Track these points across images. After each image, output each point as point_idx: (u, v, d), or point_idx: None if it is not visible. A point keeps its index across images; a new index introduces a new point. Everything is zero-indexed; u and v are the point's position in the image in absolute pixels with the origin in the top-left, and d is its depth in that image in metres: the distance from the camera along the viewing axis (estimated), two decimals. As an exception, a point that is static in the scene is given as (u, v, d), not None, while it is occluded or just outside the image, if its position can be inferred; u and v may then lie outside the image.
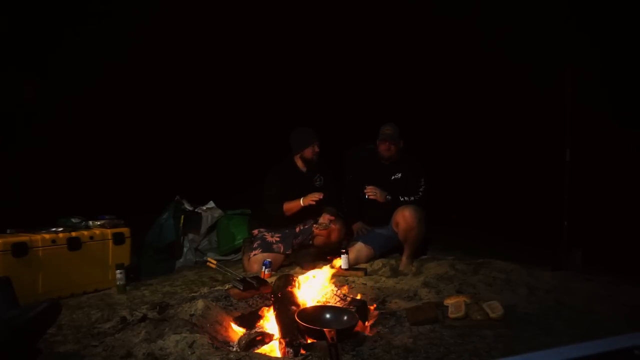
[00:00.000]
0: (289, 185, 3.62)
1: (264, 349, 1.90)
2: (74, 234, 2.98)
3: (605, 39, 4.46)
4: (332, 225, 3.55)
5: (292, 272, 3.21)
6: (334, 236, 3.60)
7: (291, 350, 1.84)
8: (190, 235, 4.06)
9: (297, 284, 2.31)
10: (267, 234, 3.64)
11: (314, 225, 3.58)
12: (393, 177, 3.61)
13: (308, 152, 3.61)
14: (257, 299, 2.41)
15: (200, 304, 2.18)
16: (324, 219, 3.54)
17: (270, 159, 3.79)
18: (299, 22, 5.78)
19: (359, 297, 2.37)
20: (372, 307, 2.31)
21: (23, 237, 2.74)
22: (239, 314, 2.27)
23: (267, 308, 2.26)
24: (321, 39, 5.94)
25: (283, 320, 1.99)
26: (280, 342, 1.90)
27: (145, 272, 3.47)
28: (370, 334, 2.00)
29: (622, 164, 4.32)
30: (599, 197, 4.23)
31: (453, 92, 6.02)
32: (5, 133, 4.48)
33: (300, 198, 3.48)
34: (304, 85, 6.20)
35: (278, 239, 3.61)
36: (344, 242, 3.64)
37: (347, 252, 3.30)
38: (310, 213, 3.66)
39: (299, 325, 1.85)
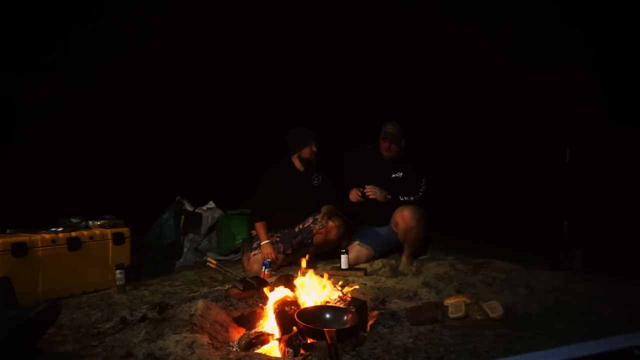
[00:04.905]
0: (285, 185, 3.62)
1: (264, 349, 1.90)
2: (74, 234, 2.99)
3: (605, 38, 4.46)
4: (330, 223, 3.55)
5: (292, 272, 3.21)
6: (333, 234, 3.60)
7: (291, 350, 1.84)
8: (190, 235, 4.06)
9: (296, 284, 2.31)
10: (266, 234, 3.63)
11: (312, 224, 3.58)
12: (393, 176, 3.61)
13: (306, 152, 3.61)
14: (257, 299, 2.41)
15: (200, 304, 2.18)
16: (322, 217, 3.54)
17: (270, 159, 3.79)
18: (298, 22, 5.78)
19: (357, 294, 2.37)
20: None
21: (23, 237, 2.74)
22: (239, 314, 2.27)
23: (266, 308, 2.25)
24: (321, 39, 5.94)
25: (283, 320, 1.99)
26: (280, 342, 1.90)
27: (145, 272, 3.47)
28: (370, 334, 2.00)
29: (621, 164, 4.32)
30: (599, 197, 4.23)
31: (453, 92, 6.02)
32: (5, 133, 4.48)
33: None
34: (304, 85, 6.20)
35: (277, 239, 3.62)
36: (344, 242, 3.64)
37: (347, 252, 3.30)
38: (309, 212, 3.66)
39: (299, 325, 1.85)
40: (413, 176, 3.55)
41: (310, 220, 3.62)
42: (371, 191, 3.43)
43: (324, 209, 3.63)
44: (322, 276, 2.27)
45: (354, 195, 3.51)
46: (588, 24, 4.44)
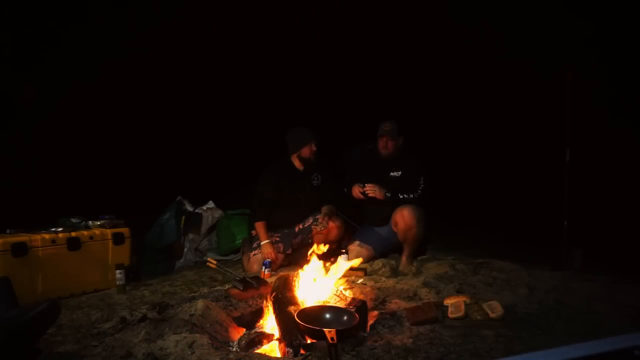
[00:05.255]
0: (285, 184, 3.62)
1: (264, 349, 1.90)
2: (73, 234, 2.98)
3: (605, 38, 4.46)
4: (330, 223, 3.56)
5: (292, 272, 3.21)
6: (333, 234, 3.60)
7: (291, 350, 1.84)
8: (191, 236, 4.06)
9: (296, 284, 2.31)
10: (266, 233, 3.63)
11: (312, 225, 3.58)
12: (392, 174, 3.62)
13: (305, 151, 3.61)
14: (257, 299, 2.41)
15: (200, 304, 2.18)
16: (322, 218, 3.54)
17: (270, 159, 3.79)
18: (298, 22, 5.78)
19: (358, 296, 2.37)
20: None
21: (23, 237, 2.74)
22: (239, 314, 2.27)
23: (267, 308, 2.25)
24: (321, 38, 5.94)
25: (283, 320, 1.99)
26: (280, 342, 1.90)
27: (145, 272, 3.47)
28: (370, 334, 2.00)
29: (621, 164, 4.32)
30: (599, 197, 4.23)
31: (453, 92, 6.02)
32: (5, 133, 4.48)
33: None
34: (304, 85, 6.20)
35: (277, 239, 3.61)
36: (344, 242, 3.64)
37: (347, 252, 3.30)
38: (309, 212, 3.66)
39: (299, 325, 1.85)
40: (411, 175, 3.56)
41: (311, 220, 3.62)
42: (371, 189, 3.44)
43: (324, 209, 3.63)
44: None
45: (356, 191, 3.53)
46: (588, 23, 4.44)
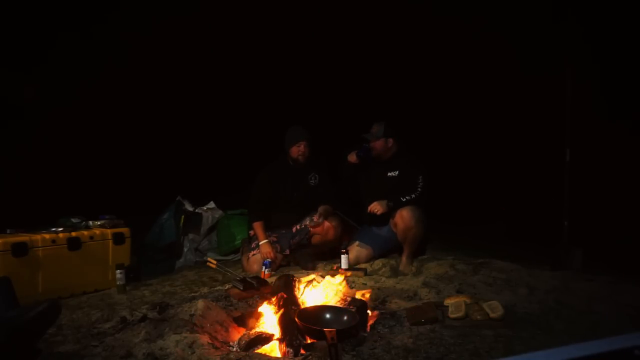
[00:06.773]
0: (280, 183, 3.62)
1: (264, 349, 1.90)
2: (74, 234, 2.99)
3: (606, 38, 4.46)
4: (327, 223, 3.55)
5: (291, 272, 3.21)
6: (331, 234, 3.60)
7: (291, 350, 1.84)
8: (191, 235, 4.07)
9: (297, 284, 2.31)
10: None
11: (308, 222, 3.58)
12: (389, 174, 3.62)
13: (294, 151, 3.61)
14: (257, 299, 2.41)
15: (200, 304, 2.18)
16: (318, 217, 3.53)
17: (271, 159, 3.79)
18: (299, 21, 5.77)
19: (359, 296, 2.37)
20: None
21: (23, 237, 2.74)
22: (239, 314, 2.27)
23: (267, 307, 2.25)
24: (322, 38, 5.94)
25: (284, 320, 1.99)
26: (280, 342, 1.90)
27: (145, 272, 3.47)
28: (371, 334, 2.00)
29: (621, 164, 4.32)
30: (599, 197, 4.22)
31: (453, 92, 6.01)
32: (5, 133, 4.47)
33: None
34: (305, 85, 6.20)
35: (275, 239, 3.61)
36: (344, 242, 3.64)
37: (347, 252, 3.30)
38: (306, 212, 3.65)
39: (299, 325, 1.85)
40: (409, 174, 3.55)
41: (308, 221, 3.61)
42: (374, 208, 3.42)
43: (320, 208, 3.61)
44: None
45: (352, 155, 3.58)
46: (590, 22, 4.43)
